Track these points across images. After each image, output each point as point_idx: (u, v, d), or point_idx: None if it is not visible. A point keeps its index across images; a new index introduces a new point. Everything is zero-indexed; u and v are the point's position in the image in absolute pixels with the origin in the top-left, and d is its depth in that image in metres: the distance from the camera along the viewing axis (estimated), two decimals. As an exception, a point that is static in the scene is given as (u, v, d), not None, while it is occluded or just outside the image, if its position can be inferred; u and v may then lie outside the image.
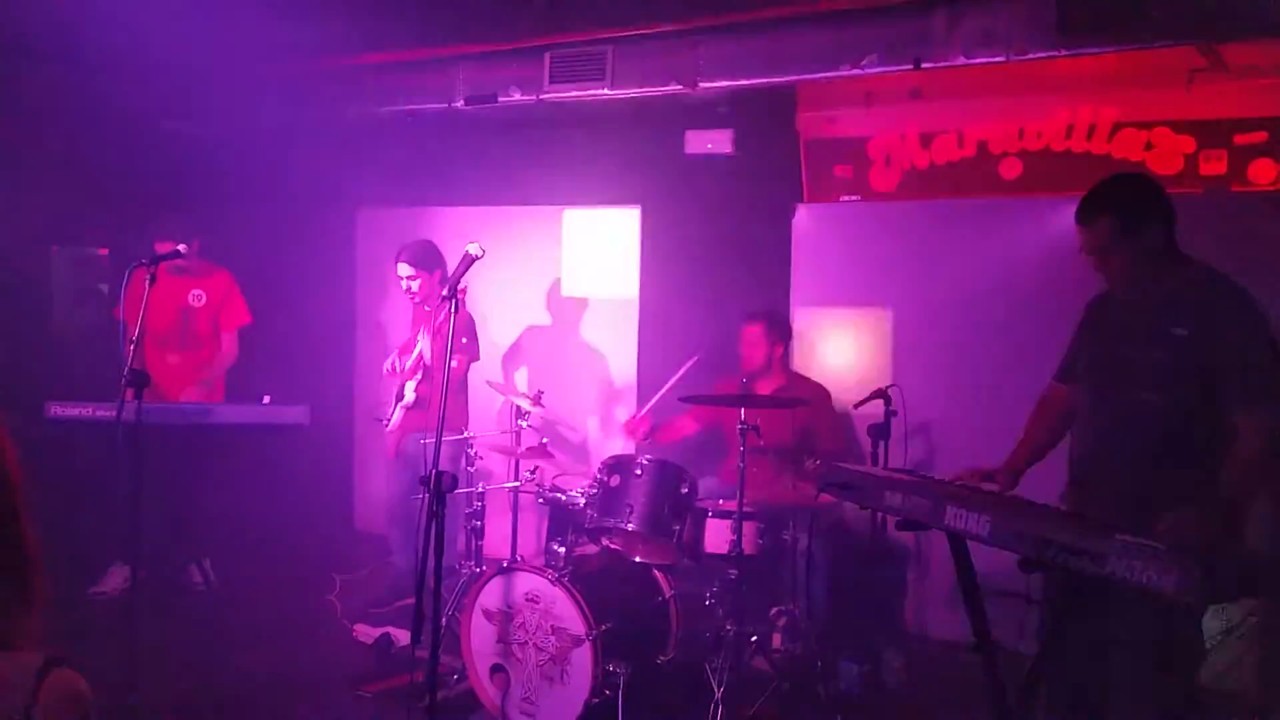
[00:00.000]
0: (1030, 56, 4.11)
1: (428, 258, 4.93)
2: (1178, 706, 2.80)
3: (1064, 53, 4.04)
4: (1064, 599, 2.87)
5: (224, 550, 5.29)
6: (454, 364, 4.79)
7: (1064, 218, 2.99)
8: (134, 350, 3.62)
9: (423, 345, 4.90)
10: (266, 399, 4.98)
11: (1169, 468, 2.75)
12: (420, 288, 4.90)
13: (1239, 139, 4.41)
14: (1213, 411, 2.71)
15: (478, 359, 5.01)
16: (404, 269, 4.90)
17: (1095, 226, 2.84)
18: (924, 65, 4.29)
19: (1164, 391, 2.76)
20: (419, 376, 4.87)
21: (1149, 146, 4.59)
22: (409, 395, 4.88)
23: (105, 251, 6.04)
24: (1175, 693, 2.79)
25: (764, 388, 4.69)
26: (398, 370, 5.04)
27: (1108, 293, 3.02)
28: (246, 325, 5.37)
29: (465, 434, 4.63)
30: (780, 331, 4.78)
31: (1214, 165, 4.47)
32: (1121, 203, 2.84)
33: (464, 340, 4.82)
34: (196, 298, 5.24)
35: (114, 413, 3.60)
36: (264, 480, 5.44)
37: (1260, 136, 4.37)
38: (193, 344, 5.25)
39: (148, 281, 3.72)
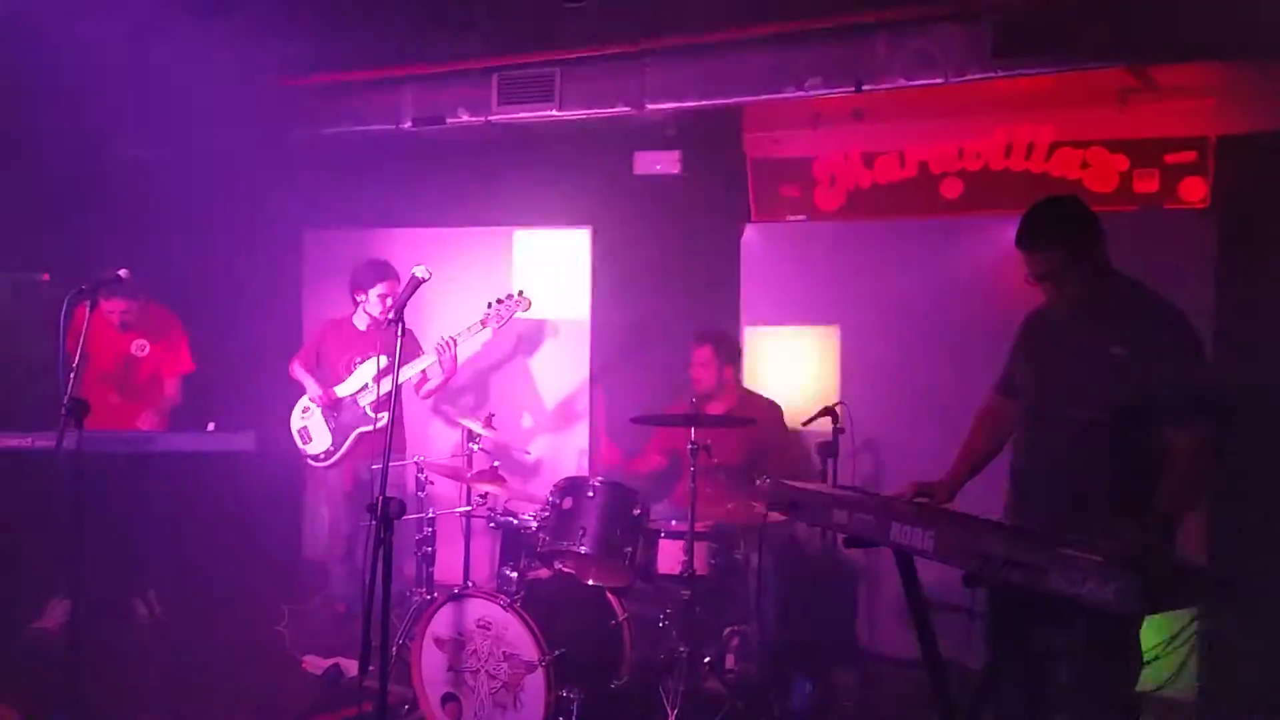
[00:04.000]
0: (968, 78, 4.22)
1: (392, 269, 5.02)
2: (1119, 715, 2.85)
3: (1000, 74, 4.14)
4: (1006, 612, 2.91)
5: (169, 582, 5.20)
6: (435, 385, 4.99)
7: (1004, 236, 3.05)
8: (74, 380, 3.56)
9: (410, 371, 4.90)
10: (211, 426, 4.91)
11: (1106, 482, 2.81)
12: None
13: (1170, 158, 4.53)
14: (1149, 428, 2.77)
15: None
16: (379, 290, 4.95)
17: (1045, 254, 2.86)
18: (865, 87, 4.37)
19: (1101, 409, 2.82)
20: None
21: (1085, 165, 4.71)
22: (382, 421, 4.81)
23: (46, 277, 5.91)
24: (1117, 702, 2.84)
25: (715, 407, 4.71)
26: (331, 399, 4.98)
27: (1046, 306, 3.08)
28: (188, 374, 5.32)
29: (417, 458, 4.59)
30: (729, 352, 4.81)
31: (1147, 183, 4.59)
32: (1070, 229, 2.87)
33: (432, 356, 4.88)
34: (140, 348, 5.19)
35: (54, 442, 3.52)
36: (210, 509, 5.34)
37: (1190, 156, 4.49)
38: (132, 391, 5.18)
39: (88, 308, 3.67)
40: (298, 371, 5.14)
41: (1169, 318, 2.82)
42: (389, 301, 4.95)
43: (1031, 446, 3.04)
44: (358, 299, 5.06)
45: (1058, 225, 2.88)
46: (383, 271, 5.01)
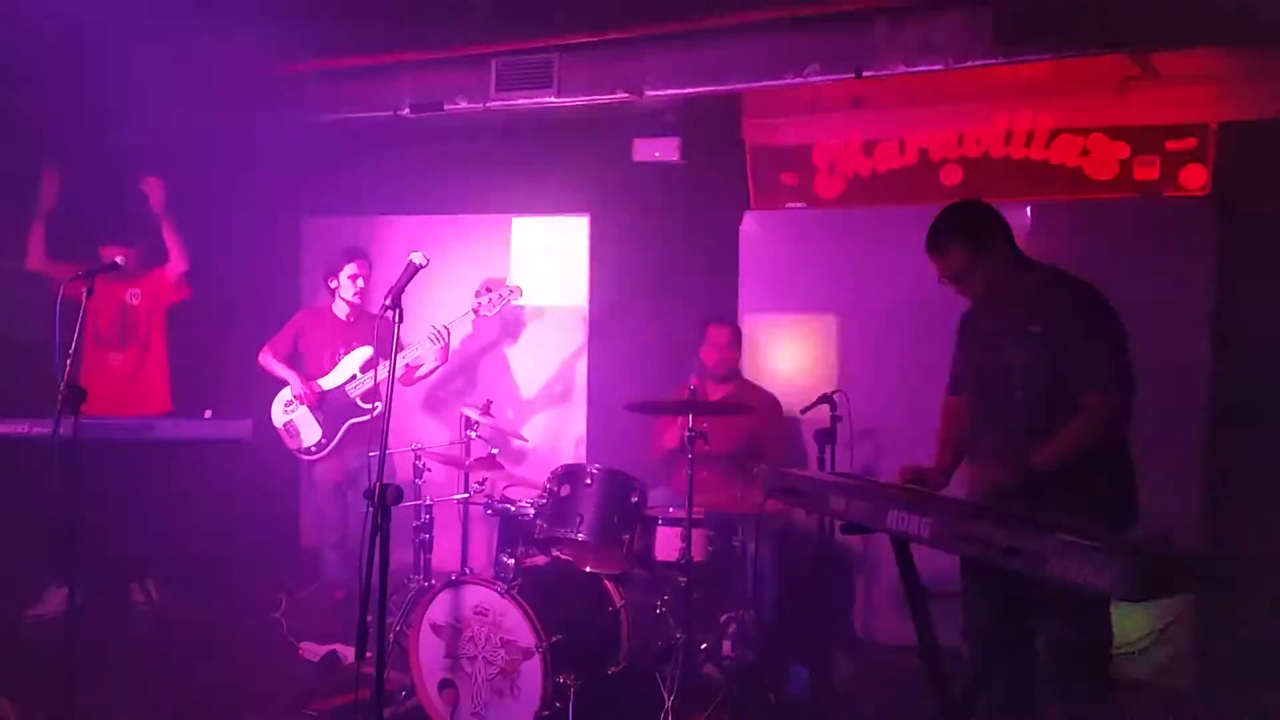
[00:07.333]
0: (969, 65, 4.19)
1: (360, 250, 5.09)
2: (1097, 692, 2.95)
3: (1001, 60, 4.12)
4: (983, 595, 3.00)
5: (166, 569, 5.21)
6: (426, 372, 5.00)
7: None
8: (73, 361, 3.56)
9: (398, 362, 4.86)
10: (208, 413, 4.90)
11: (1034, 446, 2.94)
12: (365, 285, 5.02)
13: (1170, 145, 4.52)
14: (1068, 397, 2.93)
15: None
16: (349, 270, 4.99)
17: (947, 257, 3.09)
18: (865, 74, 4.35)
19: (1027, 385, 3.01)
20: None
21: (1085, 152, 4.69)
22: (376, 411, 4.80)
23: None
24: (1093, 672, 2.94)
25: (713, 394, 4.71)
26: (317, 394, 4.96)
27: (975, 307, 3.28)
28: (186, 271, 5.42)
29: (415, 446, 4.57)
30: (741, 339, 4.84)
31: (1147, 171, 4.57)
32: (965, 230, 3.07)
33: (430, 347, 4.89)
34: (133, 296, 5.29)
35: (50, 429, 3.52)
36: (207, 497, 5.33)
37: (1190, 143, 4.48)
38: (132, 341, 5.27)
39: (85, 294, 3.67)
40: (270, 362, 5.06)
41: (1081, 292, 2.98)
42: (360, 283, 5.02)
43: (981, 431, 3.21)
44: (330, 284, 5.08)
45: (952, 229, 3.09)
46: (350, 253, 5.07)
